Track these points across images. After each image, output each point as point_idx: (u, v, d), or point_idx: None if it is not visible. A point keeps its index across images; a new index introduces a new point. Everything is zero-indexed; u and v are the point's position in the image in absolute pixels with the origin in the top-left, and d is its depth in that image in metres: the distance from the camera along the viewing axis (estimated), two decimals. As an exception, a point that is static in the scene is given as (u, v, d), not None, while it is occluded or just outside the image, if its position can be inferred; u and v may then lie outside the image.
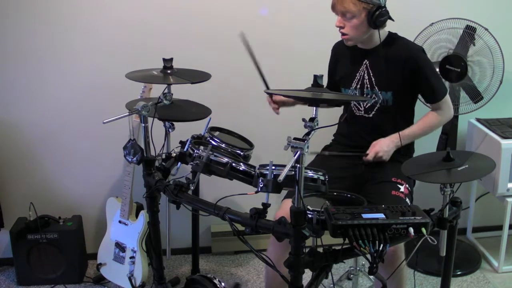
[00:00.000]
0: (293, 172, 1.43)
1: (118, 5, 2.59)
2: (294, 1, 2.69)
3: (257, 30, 2.70)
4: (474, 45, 2.57)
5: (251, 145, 2.08)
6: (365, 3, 2.02)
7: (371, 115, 2.23)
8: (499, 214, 2.79)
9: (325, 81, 2.34)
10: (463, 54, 2.57)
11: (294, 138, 1.41)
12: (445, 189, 1.62)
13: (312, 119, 1.45)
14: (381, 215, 1.43)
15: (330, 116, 2.45)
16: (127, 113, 1.87)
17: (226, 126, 2.13)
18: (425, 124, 2.20)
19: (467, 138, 2.94)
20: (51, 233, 2.64)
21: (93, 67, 2.66)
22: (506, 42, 2.54)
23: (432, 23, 2.61)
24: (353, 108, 2.27)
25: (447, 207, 1.63)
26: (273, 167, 1.52)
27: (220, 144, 1.89)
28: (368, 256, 1.38)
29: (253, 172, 1.62)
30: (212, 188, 2.56)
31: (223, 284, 1.96)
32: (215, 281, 1.95)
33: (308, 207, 1.51)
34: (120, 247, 2.59)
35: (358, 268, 2.44)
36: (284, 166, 1.42)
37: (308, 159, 2.27)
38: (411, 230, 1.41)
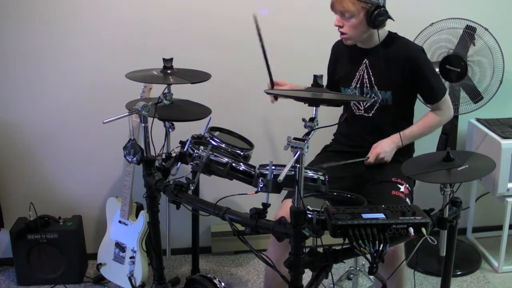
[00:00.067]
0: (293, 172, 1.43)
1: (118, 5, 2.59)
2: (294, 1, 2.69)
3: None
4: (474, 45, 2.57)
5: (251, 145, 2.08)
6: (363, 3, 2.02)
7: (370, 115, 2.23)
8: (499, 214, 2.79)
9: (324, 81, 2.34)
10: (463, 54, 2.58)
11: (294, 138, 1.41)
12: (445, 189, 1.62)
13: (312, 119, 1.45)
14: (381, 215, 1.43)
15: (330, 116, 2.45)
16: (127, 113, 1.87)
17: (226, 126, 2.13)
18: (424, 125, 2.21)
19: (467, 138, 2.94)
20: (51, 233, 2.64)
21: (93, 67, 2.66)
22: (506, 42, 2.54)
23: (432, 23, 2.61)
24: (353, 108, 2.27)
25: (447, 207, 1.63)
26: (273, 167, 1.52)
27: (220, 144, 1.89)
28: (368, 256, 1.38)
29: (253, 172, 1.62)
30: (212, 188, 2.56)
31: (223, 284, 1.97)
32: (215, 281, 1.96)
33: (308, 207, 1.51)
34: (120, 247, 2.59)
35: (358, 268, 2.44)
36: (284, 166, 1.42)
37: (308, 159, 2.27)
38: (411, 230, 1.41)
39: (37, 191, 2.82)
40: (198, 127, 2.03)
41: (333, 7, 2.09)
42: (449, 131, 2.69)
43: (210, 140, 1.91)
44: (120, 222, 2.60)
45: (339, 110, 2.46)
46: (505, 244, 2.75)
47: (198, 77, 2.08)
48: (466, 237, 3.17)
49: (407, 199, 2.07)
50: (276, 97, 2.30)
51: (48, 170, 2.81)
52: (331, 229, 1.41)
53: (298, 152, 1.39)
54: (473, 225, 3.14)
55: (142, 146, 1.89)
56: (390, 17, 2.09)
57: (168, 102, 2.01)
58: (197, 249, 2.67)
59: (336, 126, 2.40)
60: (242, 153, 1.92)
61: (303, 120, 1.45)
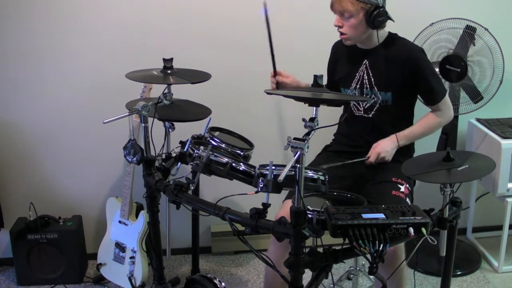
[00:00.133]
0: (293, 172, 1.43)
1: (118, 5, 2.59)
2: (294, 1, 2.69)
3: (257, 30, 2.70)
4: (474, 45, 2.57)
5: (251, 145, 2.08)
6: (363, 3, 2.02)
7: (370, 115, 2.23)
8: (499, 214, 2.79)
9: (324, 81, 2.34)
10: (463, 54, 2.58)
11: (294, 138, 1.41)
12: (445, 189, 1.62)
13: (312, 119, 1.45)
14: (381, 215, 1.43)
15: (330, 116, 2.45)
16: (127, 113, 1.87)
17: (226, 126, 2.13)
18: (424, 125, 2.20)
19: (467, 138, 2.94)
20: (51, 233, 2.64)
21: (93, 67, 2.66)
22: (506, 42, 2.54)
23: (432, 23, 2.61)
24: (353, 108, 2.27)
25: (447, 207, 1.64)
26: (273, 167, 1.52)
27: (220, 144, 1.89)
28: (368, 256, 1.38)
29: (253, 172, 1.62)
30: (212, 188, 2.56)
31: (223, 284, 1.96)
32: (215, 281, 1.95)
33: (308, 207, 1.51)
34: (120, 247, 2.59)
35: (358, 268, 2.44)
36: (284, 166, 1.42)
37: (308, 159, 2.27)
38: (411, 230, 1.41)
39: (37, 191, 2.82)
40: (198, 127, 2.03)
41: (332, 7, 2.09)
42: (449, 131, 2.69)
43: (210, 140, 1.91)
44: (120, 222, 2.60)
45: (339, 110, 2.46)
46: (505, 244, 2.75)
47: (198, 77, 2.08)
48: (466, 237, 3.17)
49: (407, 199, 2.07)
50: (277, 84, 2.28)
51: (48, 170, 2.81)
52: (331, 229, 1.41)
53: (298, 152, 1.39)
54: (473, 225, 3.14)
55: (142, 146, 1.89)
56: (390, 18, 2.09)
57: (168, 102, 2.01)
58: (197, 249, 2.67)
59: (336, 126, 2.40)
60: (242, 153, 1.92)
61: (303, 120, 1.45)
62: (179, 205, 1.74)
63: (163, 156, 2.02)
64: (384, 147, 2.13)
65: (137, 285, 2.53)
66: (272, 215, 1.60)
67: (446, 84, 2.61)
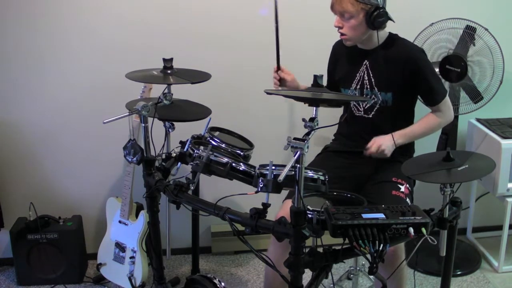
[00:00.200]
0: (293, 172, 1.43)
1: (118, 5, 2.59)
2: (294, 1, 2.69)
3: (257, 30, 2.70)
4: (474, 45, 2.57)
5: (251, 145, 2.08)
6: (363, 4, 2.02)
7: (370, 116, 2.23)
8: (499, 214, 2.79)
9: (324, 81, 2.34)
10: (463, 54, 2.58)
11: (294, 138, 1.41)
12: (445, 189, 1.62)
13: (312, 119, 1.45)
14: (381, 215, 1.43)
15: (330, 116, 2.45)
16: (127, 113, 1.87)
17: (226, 126, 2.13)
18: (424, 125, 2.20)
19: (467, 138, 2.94)
20: (51, 233, 2.64)
21: (93, 67, 2.66)
22: (506, 42, 2.54)
23: (432, 23, 2.61)
24: (353, 109, 2.27)
25: (447, 207, 1.64)
26: (273, 167, 1.52)
27: (220, 144, 1.89)
28: (368, 256, 1.38)
29: (253, 172, 1.62)
30: (212, 188, 2.56)
31: (223, 284, 1.96)
32: (215, 281, 1.95)
33: (308, 207, 1.51)
34: (120, 247, 2.59)
35: (358, 268, 2.44)
36: (284, 166, 1.42)
37: (308, 159, 2.27)
38: (411, 230, 1.41)
39: (37, 191, 2.82)
40: (198, 127, 2.03)
41: (332, 7, 2.09)
42: (449, 131, 2.69)
43: (210, 140, 1.91)
44: (120, 222, 2.60)
45: (339, 110, 2.46)
46: (505, 244, 2.75)
47: (198, 77, 2.08)
48: (466, 237, 3.17)
49: (407, 199, 2.07)
50: (280, 84, 2.28)
51: (48, 170, 2.81)
52: (331, 229, 1.41)
53: (298, 152, 1.39)
54: (473, 225, 3.14)
55: (142, 146, 1.89)
56: (390, 18, 2.09)
57: (168, 102, 2.01)
58: (197, 249, 2.67)
59: (336, 126, 2.40)
60: (242, 153, 1.92)
61: (303, 120, 1.45)
62: (179, 205, 1.74)
63: (163, 156, 2.02)
64: (385, 142, 2.09)
65: (137, 285, 2.53)
66: (272, 215, 1.60)
67: (446, 84, 2.61)
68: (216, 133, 2.02)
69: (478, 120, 2.85)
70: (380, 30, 2.11)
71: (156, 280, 2.15)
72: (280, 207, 2.08)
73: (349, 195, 1.83)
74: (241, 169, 1.65)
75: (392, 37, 2.18)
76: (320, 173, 1.59)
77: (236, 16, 2.66)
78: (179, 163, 1.92)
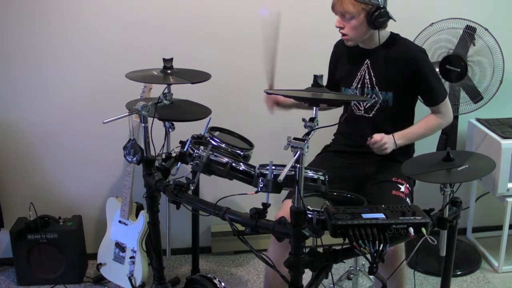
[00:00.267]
0: (293, 172, 1.43)
1: (118, 5, 2.59)
2: (294, 1, 2.69)
3: (257, 30, 2.69)
4: (474, 45, 2.57)
5: (251, 145, 2.08)
6: (364, 4, 2.01)
7: (371, 115, 2.23)
8: (499, 214, 2.79)
9: (325, 80, 2.34)
10: (463, 54, 2.58)
11: (294, 138, 1.41)
12: (445, 189, 1.62)
13: (312, 119, 1.45)
14: (381, 215, 1.43)
15: (330, 116, 2.45)
16: (127, 113, 1.87)
17: (226, 126, 2.13)
18: (424, 126, 2.19)
19: (467, 138, 2.94)
20: (51, 233, 2.64)
21: (93, 67, 2.67)
22: (506, 42, 2.54)
23: (432, 23, 2.61)
24: (354, 108, 2.27)
25: (447, 207, 1.64)
26: (273, 167, 1.52)
27: (220, 144, 1.89)
28: (368, 256, 1.38)
29: (253, 172, 1.62)
30: (212, 188, 2.56)
31: (223, 284, 1.96)
32: (215, 281, 1.95)
33: (308, 207, 1.51)
34: (120, 247, 2.59)
35: (358, 268, 2.44)
36: (284, 166, 1.42)
37: (308, 159, 2.27)
38: (411, 230, 1.41)
39: (37, 191, 2.82)
40: (198, 127, 2.03)
41: (333, 8, 2.08)
42: (449, 131, 2.69)
43: (210, 140, 1.91)
44: (120, 222, 2.60)
45: (339, 110, 2.46)
46: (505, 244, 2.75)
47: (198, 77, 2.08)
48: (466, 237, 3.17)
49: (407, 199, 2.06)
50: (274, 104, 2.28)
51: (48, 170, 2.81)
52: (331, 229, 1.41)
53: (298, 152, 1.39)
54: (473, 225, 3.14)
55: (142, 146, 1.89)
56: (391, 18, 2.08)
57: (168, 102, 2.01)
58: (197, 249, 2.67)
59: (337, 126, 2.40)
60: (242, 153, 1.92)
61: (303, 120, 1.45)
62: (179, 205, 1.74)
63: (163, 156, 2.02)
64: (388, 139, 2.06)
65: (137, 285, 2.53)
66: (272, 215, 1.60)
67: (446, 84, 2.61)
68: (216, 133, 2.02)
69: (478, 120, 2.85)
70: (381, 29, 2.11)
71: (156, 280, 2.14)
72: (280, 207, 2.08)
73: (349, 195, 1.83)
74: (241, 169, 1.65)
75: (394, 37, 2.18)
76: (320, 173, 1.59)
77: (236, 16, 2.66)
78: (179, 163, 1.92)
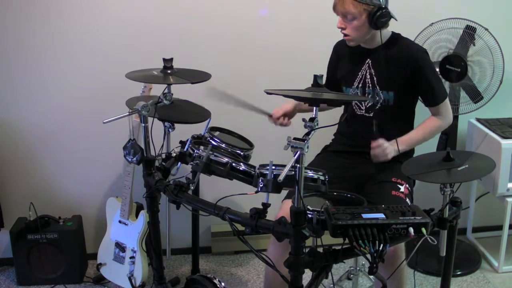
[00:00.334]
0: (293, 172, 1.43)
1: (118, 5, 2.59)
2: (294, 1, 2.69)
3: (257, 30, 2.70)
4: (474, 45, 2.57)
5: (251, 145, 2.08)
6: (365, 5, 2.01)
7: (371, 115, 2.23)
8: (499, 214, 2.79)
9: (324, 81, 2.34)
10: (463, 54, 2.58)
11: (294, 138, 1.41)
12: (445, 189, 1.62)
13: (312, 119, 1.45)
14: (381, 215, 1.43)
15: (330, 116, 2.45)
16: (127, 113, 1.87)
17: (226, 126, 2.13)
18: (424, 130, 2.18)
19: (467, 138, 2.94)
20: (51, 233, 2.64)
21: (93, 67, 2.66)
22: (506, 42, 2.54)
23: (432, 23, 2.61)
24: (354, 107, 2.27)
25: (447, 207, 1.64)
26: (273, 167, 1.52)
27: (220, 144, 1.89)
28: (368, 256, 1.38)
29: (253, 172, 1.62)
30: (212, 188, 2.56)
31: (223, 284, 1.96)
32: (215, 281, 1.95)
33: (308, 207, 1.51)
34: (120, 247, 2.59)
35: (358, 268, 2.44)
36: (284, 166, 1.42)
37: (308, 159, 2.27)
38: (411, 230, 1.41)
39: (37, 191, 2.82)
40: (198, 127, 2.03)
41: (335, 8, 2.08)
42: (449, 131, 2.69)
43: (210, 140, 1.91)
44: (120, 222, 2.60)
45: (339, 110, 2.46)
46: (505, 244, 2.75)
47: (198, 77, 2.08)
48: (466, 237, 3.17)
49: (407, 199, 2.06)
50: (284, 118, 2.29)
51: (48, 170, 2.81)
52: (331, 229, 1.41)
53: (298, 152, 1.39)
54: (473, 225, 3.14)
55: (142, 146, 1.89)
56: (393, 17, 2.08)
57: (168, 102, 2.01)
58: (197, 249, 2.67)
59: (337, 126, 2.40)
60: (242, 153, 1.92)
61: (303, 120, 1.45)
62: (179, 205, 1.74)
63: (163, 156, 2.02)
64: (390, 146, 2.06)
65: (137, 285, 2.53)
66: (272, 215, 1.60)
67: (446, 84, 2.61)
68: (216, 133, 2.02)
69: (478, 120, 2.85)
70: (383, 29, 2.11)
71: (156, 280, 2.14)
72: (279, 207, 2.08)
73: (349, 195, 1.83)
74: (241, 169, 1.65)
75: (395, 37, 2.18)
76: (320, 173, 1.59)
77: (236, 16, 2.66)
78: (179, 163, 1.92)
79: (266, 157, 1.59)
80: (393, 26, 2.16)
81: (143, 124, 1.87)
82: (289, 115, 2.30)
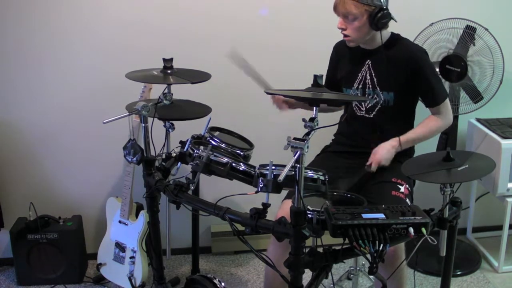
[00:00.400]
0: (293, 172, 1.43)
1: (118, 5, 2.59)
2: (294, 1, 2.69)
3: (257, 30, 2.70)
4: (474, 45, 2.57)
5: (251, 145, 2.08)
6: (366, 5, 2.01)
7: (371, 115, 2.23)
8: (499, 214, 2.79)
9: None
10: (463, 54, 2.58)
11: (294, 138, 1.41)
12: (445, 189, 1.62)
13: (312, 119, 1.45)
14: (381, 215, 1.43)
15: (330, 116, 2.46)
16: (127, 113, 1.87)
17: (226, 126, 2.13)
18: (425, 129, 2.18)
19: (467, 138, 2.94)
20: (51, 233, 2.64)
21: (93, 67, 2.67)
22: (506, 42, 2.54)
23: (432, 23, 2.61)
24: (355, 108, 2.27)
25: (447, 207, 1.64)
26: (273, 167, 1.52)
27: (220, 144, 1.89)
28: (368, 256, 1.38)
29: (253, 172, 1.62)
30: (212, 188, 2.56)
31: (223, 284, 1.96)
32: (215, 281, 1.95)
33: (308, 207, 1.51)
34: (120, 247, 2.59)
35: (358, 268, 2.44)
36: (284, 166, 1.42)
37: (308, 159, 2.27)
38: (411, 230, 1.41)
39: (37, 191, 2.82)
40: (198, 127, 2.03)
41: (336, 9, 2.08)
42: (449, 131, 2.68)
43: (210, 140, 1.91)
44: (120, 222, 2.60)
45: (339, 110, 2.46)
46: (505, 244, 2.75)
47: (198, 77, 2.08)
48: (466, 237, 3.17)
49: (407, 200, 2.06)
50: (282, 102, 2.27)
51: (48, 170, 2.81)
52: (331, 229, 1.41)
53: (298, 152, 1.39)
54: (473, 225, 3.14)
55: (142, 146, 1.89)
56: (392, 18, 2.08)
57: (168, 102, 2.01)
58: (197, 249, 2.67)
59: (337, 126, 2.39)
60: (242, 153, 1.92)
61: (303, 120, 1.45)
62: (179, 205, 1.74)
63: (163, 156, 2.02)
64: (384, 155, 2.07)
65: (137, 285, 2.53)
66: (272, 215, 1.60)
67: (446, 84, 2.61)
68: (216, 133, 2.02)
69: (478, 120, 2.85)
70: (383, 30, 2.11)
71: (156, 280, 2.14)
72: (279, 207, 2.08)
73: (349, 195, 1.83)
74: (241, 169, 1.65)
75: (394, 37, 2.18)
76: (320, 173, 1.59)
77: (236, 16, 2.66)
78: (179, 163, 1.92)
79: (266, 157, 1.59)
80: (393, 26, 2.16)
81: (143, 124, 1.87)
82: (289, 104, 2.28)
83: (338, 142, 2.38)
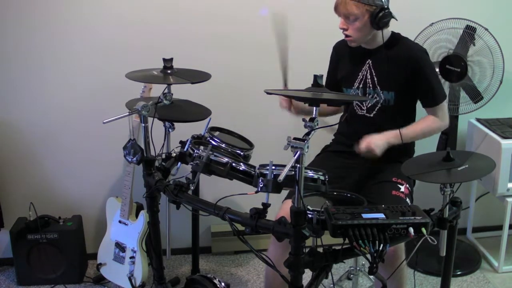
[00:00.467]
0: (293, 172, 1.43)
1: (118, 5, 2.59)
2: (294, 1, 2.69)
3: (257, 30, 2.70)
4: (474, 45, 2.57)
5: (251, 145, 2.08)
6: (368, 5, 2.01)
7: (372, 115, 2.23)
8: (499, 214, 2.79)
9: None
10: (463, 54, 2.58)
11: (294, 138, 1.41)
12: (445, 189, 1.62)
13: (312, 119, 1.45)
14: (381, 215, 1.43)
15: (331, 116, 2.46)
16: (127, 113, 1.87)
17: (226, 126, 2.13)
18: (423, 126, 2.17)
19: (467, 138, 2.94)
20: (51, 233, 2.64)
21: (93, 67, 2.67)
22: (506, 42, 2.54)
23: (432, 23, 2.61)
24: (355, 108, 2.27)
25: (447, 207, 1.64)
26: (273, 167, 1.52)
27: (220, 144, 1.89)
28: (368, 256, 1.38)
29: (253, 172, 1.62)
30: (212, 188, 2.56)
31: (223, 284, 1.96)
32: (215, 281, 1.95)
33: (308, 207, 1.51)
34: (120, 247, 2.59)
35: (358, 268, 2.44)
36: (284, 166, 1.42)
37: (308, 159, 2.27)
38: (411, 230, 1.41)
39: (37, 191, 2.82)
40: (198, 127, 2.03)
41: (336, 9, 2.08)
42: (449, 131, 2.69)
43: (210, 140, 1.91)
44: (120, 222, 2.60)
45: (339, 110, 2.46)
46: (505, 244, 2.75)
47: (198, 77, 2.08)
48: (466, 237, 3.17)
49: (407, 199, 2.06)
50: (289, 104, 2.24)
51: (48, 170, 2.81)
52: (331, 229, 1.41)
53: (298, 152, 1.39)
54: (473, 225, 3.14)
55: (142, 146, 1.89)
56: (393, 17, 2.08)
57: (168, 102, 2.01)
58: (197, 249, 2.67)
59: (337, 126, 2.40)
60: (242, 153, 1.92)
61: (303, 120, 1.45)
62: (179, 205, 1.74)
63: (163, 156, 2.02)
64: (376, 142, 2.01)
65: (137, 285, 2.53)
66: (272, 215, 1.60)
67: (446, 84, 2.61)
68: (216, 133, 2.02)
69: (478, 120, 2.85)
70: (384, 29, 2.11)
71: (156, 280, 2.15)
72: (279, 207, 2.08)
73: (349, 195, 1.83)
74: (241, 169, 1.65)
75: (395, 36, 2.18)
76: (320, 173, 1.59)
77: (236, 16, 2.66)
78: (179, 163, 1.92)
79: (266, 157, 1.59)
80: (393, 26, 2.16)
81: (143, 124, 1.87)
82: (294, 106, 2.26)
83: (338, 142, 2.38)
